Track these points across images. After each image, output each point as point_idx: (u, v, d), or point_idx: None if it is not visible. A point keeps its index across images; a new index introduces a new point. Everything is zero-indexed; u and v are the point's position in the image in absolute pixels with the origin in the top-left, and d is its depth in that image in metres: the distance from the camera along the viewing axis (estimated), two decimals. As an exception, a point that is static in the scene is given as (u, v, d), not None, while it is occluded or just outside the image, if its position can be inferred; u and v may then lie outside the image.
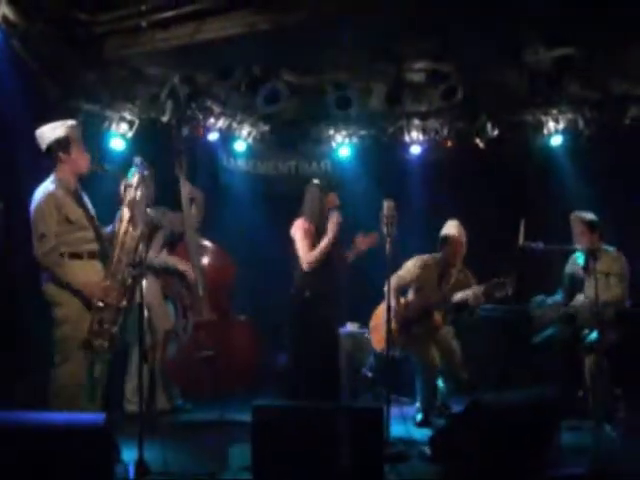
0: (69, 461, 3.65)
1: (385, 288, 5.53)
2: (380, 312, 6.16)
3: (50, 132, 4.85)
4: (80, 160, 4.89)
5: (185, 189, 6.19)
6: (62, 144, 4.83)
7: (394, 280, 5.89)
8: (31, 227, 4.72)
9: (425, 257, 6.34)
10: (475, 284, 6.22)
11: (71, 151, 4.84)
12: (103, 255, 4.84)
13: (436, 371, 6.08)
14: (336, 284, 5.73)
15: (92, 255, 4.81)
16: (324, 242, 5.63)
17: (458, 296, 6.15)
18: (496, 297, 5.98)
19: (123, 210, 4.76)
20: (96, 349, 4.58)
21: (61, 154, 4.82)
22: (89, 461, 3.66)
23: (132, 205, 4.71)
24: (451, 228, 6.28)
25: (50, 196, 4.71)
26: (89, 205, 4.97)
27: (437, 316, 6.17)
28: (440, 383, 6.21)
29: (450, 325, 6.31)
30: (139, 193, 4.77)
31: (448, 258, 6.26)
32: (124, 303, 4.68)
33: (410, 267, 6.28)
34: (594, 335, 5.84)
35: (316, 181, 5.85)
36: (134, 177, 4.81)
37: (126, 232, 4.68)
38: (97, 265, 4.82)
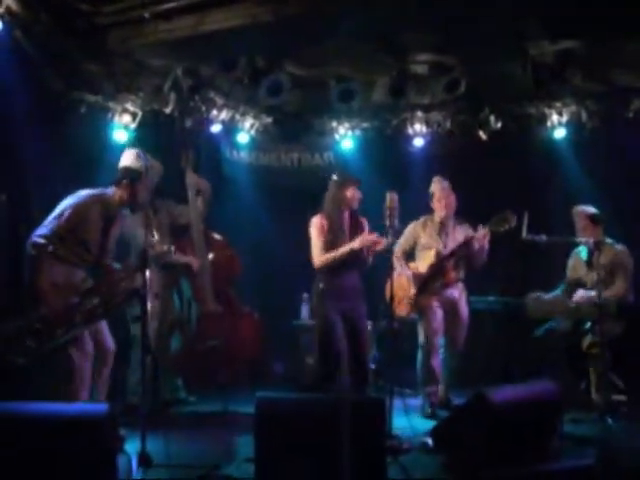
0: (71, 451, 3.66)
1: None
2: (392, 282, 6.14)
3: (133, 157, 5.03)
4: (135, 197, 5.03)
5: (191, 181, 6.21)
6: (133, 174, 4.99)
7: (397, 249, 6.05)
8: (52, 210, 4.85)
9: (419, 219, 6.43)
10: (472, 232, 6.27)
11: (135, 185, 4.98)
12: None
13: (437, 340, 6.13)
14: (352, 280, 5.66)
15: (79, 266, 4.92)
16: (343, 249, 5.46)
17: (462, 238, 6.22)
18: (501, 232, 5.99)
19: None
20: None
21: (126, 181, 4.96)
22: (91, 451, 3.66)
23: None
24: (434, 184, 6.35)
25: (83, 206, 4.86)
26: (112, 236, 5.07)
27: (451, 272, 6.21)
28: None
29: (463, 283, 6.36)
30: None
31: (440, 213, 6.31)
32: (59, 332, 4.67)
33: (406, 231, 6.34)
34: (589, 325, 5.88)
35: (335, 177, 5.75)
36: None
37: None
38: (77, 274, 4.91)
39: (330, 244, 5.52)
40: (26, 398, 4.01)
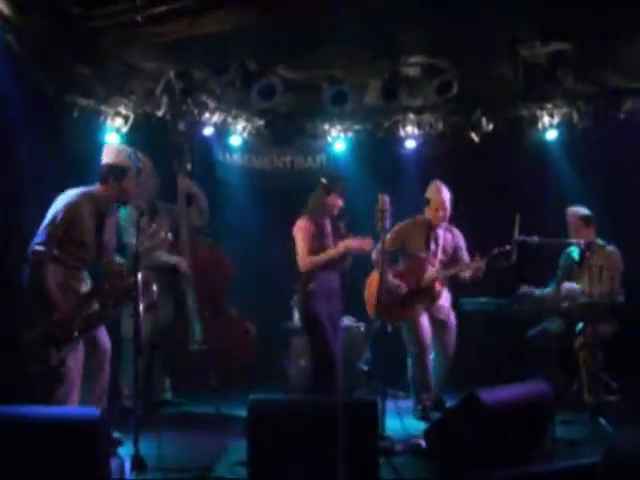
0: (64, 455, 3.67)
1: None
2: (372, 281, 6.14)
3: (114, 154, 5.02)
4: (125, 194, 5.03)
5: (182, 185, 6.21)
6: (117, 172, 4.97)
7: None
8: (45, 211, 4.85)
9: (411, 219, 6.41)
10: (462, 241, 6.39)
11: (121, 182, 4.97)
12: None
13: (426, 346, 6.12)
14: (335, 282, 5.76)
15: (79, 268, 4.93)
16: (326, 255, 5.66)
17: (456, 270, 6.23)
18: (499, 266, 6.03)
19: None
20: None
21: (111, 179, 4.95)
22: (84, 455, 3.67)
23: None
24: (432, 191, 6.31)
25: (74, 205, 4.83)
26: (109, 232, 5.07)
27: (437, 285, 6.21)
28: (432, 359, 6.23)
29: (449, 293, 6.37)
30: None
31: (432, 218, 6.29)
32: (75, 334, 4.70)
33: (395, 231, 6.25)
34: (580, 326, 5.89)
35: (323, 180, 5.83)
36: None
37: None
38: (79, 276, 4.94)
39: (315, 247, 5.66)
40: (16, 401, 4.02)
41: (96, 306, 4.83)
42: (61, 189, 5.07)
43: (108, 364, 5.04)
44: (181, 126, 7.25)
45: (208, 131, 7.56)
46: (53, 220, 4.78)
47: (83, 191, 4.94)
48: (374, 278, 6.01)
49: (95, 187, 5.01)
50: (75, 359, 4.79)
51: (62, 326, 4.62)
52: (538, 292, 6.40)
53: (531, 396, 4.62)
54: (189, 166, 6.29)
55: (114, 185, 4.96)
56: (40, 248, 4.68)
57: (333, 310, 5.69)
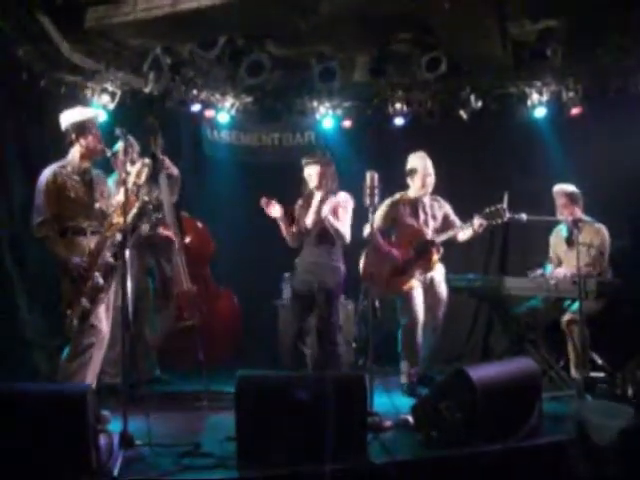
0: (52, 431, 3.68)
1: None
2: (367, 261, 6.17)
3: (70, 115, 5.13)
4: (92, 146, 5.11)
5: (163, 163, 6.16)
6: (78, 128, 5.08)
7: (374, 225, 5.94)
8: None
9: (395, 195, 6.40)
10: (449, 207, 6.41)
11: (86, 136, 5.08)
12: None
13: (417, 320, 6.14)
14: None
15: (94, 233, 5.02)
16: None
17: (454, 232, 6.24)
18: (493, 225, 6.06)
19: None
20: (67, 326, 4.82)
21: (74, 137, 5.07)
22: (72, 432, 3.68)
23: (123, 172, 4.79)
24: (417, 160, 6.33)
25: (52, 174, 4.99)
26: (100, 186, 5.20)
27: (433, 258, 6.22)
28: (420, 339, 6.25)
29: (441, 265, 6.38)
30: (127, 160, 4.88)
31: (418, 189, 6.31)
32: (101, 281, 4.87)
33: (383, 208, 6.28)
34: (576, 306, 5.88)
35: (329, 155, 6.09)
36: (119, 148, 5.12)
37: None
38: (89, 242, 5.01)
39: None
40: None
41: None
42: (46, 163, 5.12)
43: (104, 347, 5.05)
44: (168, 103, 7.21)
45: (196, 108, 7.53)
46: (37, 194, 4.97)
47: (54, 165, 5.07)
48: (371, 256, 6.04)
49: (68, 156, 5.14)
50: (97, 339, 4.90)
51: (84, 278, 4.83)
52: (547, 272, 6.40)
53: (518, 372, 4.64)
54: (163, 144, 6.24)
55: (78, 142, 5.07)
56: (34, 221, 4.92)
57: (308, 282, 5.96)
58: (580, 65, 7.05)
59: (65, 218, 4.95)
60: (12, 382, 4.13)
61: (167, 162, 6.10)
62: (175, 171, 6.15)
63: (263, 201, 5.78)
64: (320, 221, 5.79)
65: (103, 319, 4.97)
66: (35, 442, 3.67)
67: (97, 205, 5.07)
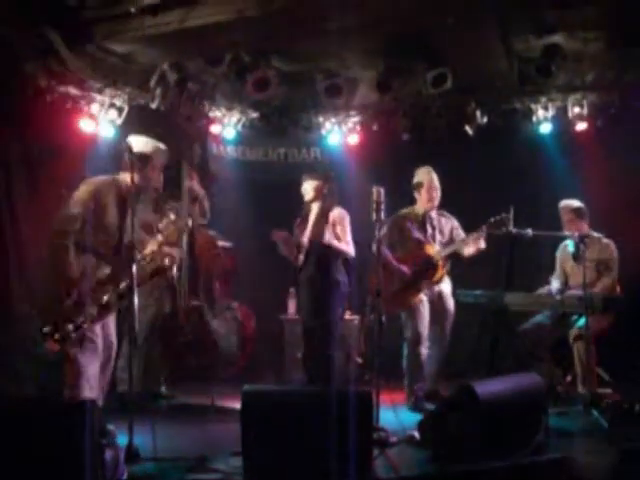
0: (56, 445, 3.65)
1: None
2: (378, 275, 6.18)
3: (141, 143, 5.05)
4: (148, 181, 5.07)
5: (188, 184, 6.20)
6: (142, 159, 4.99)
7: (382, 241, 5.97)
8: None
9: (402, 211, 6.45)
10: (456, 221, 6.46)
11: (146, 170, 5.02)
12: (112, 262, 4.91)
13: (423, 336, 6.16)
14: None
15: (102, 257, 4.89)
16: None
17: (458, 245, 6.26)
18: (498, 234, 6.06)
19: None
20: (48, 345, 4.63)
21: (136, 166, 4.90)
22: (77, 445, 3.66)
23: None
24: (423, 174, 6.36)
25: (100, 190, 4.87)
26: (132, 216, 4.93)
27: (440, 271, 6.24)
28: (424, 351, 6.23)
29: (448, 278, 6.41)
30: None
31: (424, 203, 6.33)
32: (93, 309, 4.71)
33: (390, 223, 6.29)
34: (582, 321, 5.86)
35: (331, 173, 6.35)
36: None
37: None
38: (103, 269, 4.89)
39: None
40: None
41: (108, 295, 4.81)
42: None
43: (112, 360, 5.03)
44: (179, 120, 7.24)
45: (202, 123, 7.54)
46: (75, 202, 4.81)
47: (106, 177, 5.01)
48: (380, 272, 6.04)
49: (119, 175, 5.04)
50: (90, 359, 4.79)
51: (75, 306, 4.63)
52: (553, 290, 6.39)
53: (525, 388, 4.63)
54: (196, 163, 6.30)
55: (138, 173, 4.94)
56: (58, 227, 4.75)
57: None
58: (585, 80, 7.06)
59: (87, 234, 4.80)
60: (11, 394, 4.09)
61: (194, 182, 6.16)
62: (200, 190, 6.23)
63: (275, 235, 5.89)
64: (319, 234, 5.85)
65: (99, 334, 4.86)
66: (34, 456, 3.65)
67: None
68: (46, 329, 4.52)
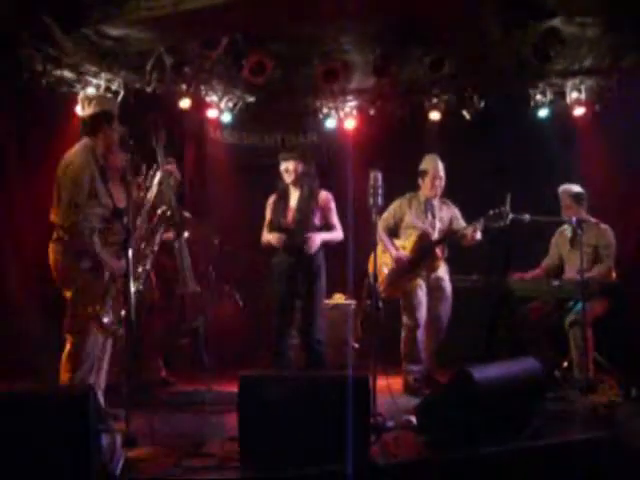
0: (52, 431, 3.65)
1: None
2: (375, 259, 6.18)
3: (101, 101, 4.94)
4: (115, 138, 4.90)
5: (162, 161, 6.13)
6: (108, 117, 4.85)
7: (380, 223, 6.01)
8: (58, 191, 4.74)
9: (405, 196, 6.44)
10: (457, 211, 6.43)
11: (113, 127, 4.87)
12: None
13: (420, 321, 6.17)
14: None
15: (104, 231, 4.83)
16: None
17: (448, 218, 6.32)
18: (495, 227, 6.04)
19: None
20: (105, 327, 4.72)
21: (105, 126, 4.83)
22: (73, 431, 3.65)
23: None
24: (429, 162, 6.35)
25: (87, 167, 4.72)
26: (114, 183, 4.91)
27: (438, 258, 6.24)
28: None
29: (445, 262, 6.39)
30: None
31: (427, 191, 6.33)
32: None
33: (391, 207, 6.37)
34: (579, 306, 5.86)
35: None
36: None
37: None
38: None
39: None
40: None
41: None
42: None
43: (111, 347, 5.02)
44: (171, 102, 7.20)
45: (198, 107, 7.51)
46: (72, 188, 4.70)
47: (79, 150, 4.82)
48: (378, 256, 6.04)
49: (84, 144, 4.86)
50: (96, 345, 4.81)
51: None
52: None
53: (522, 373, 4.63)
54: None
55: (105, 132, 4.86)
56: (74, 219, 4.65)
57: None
58: (583, 65, 7.03)
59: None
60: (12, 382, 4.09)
61: (171, 163, 6.09)
62: (173, 168, 6.14)
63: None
64: (307, 217, 5.84)
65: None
66: (35, 442, 3.64)
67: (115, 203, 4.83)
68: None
